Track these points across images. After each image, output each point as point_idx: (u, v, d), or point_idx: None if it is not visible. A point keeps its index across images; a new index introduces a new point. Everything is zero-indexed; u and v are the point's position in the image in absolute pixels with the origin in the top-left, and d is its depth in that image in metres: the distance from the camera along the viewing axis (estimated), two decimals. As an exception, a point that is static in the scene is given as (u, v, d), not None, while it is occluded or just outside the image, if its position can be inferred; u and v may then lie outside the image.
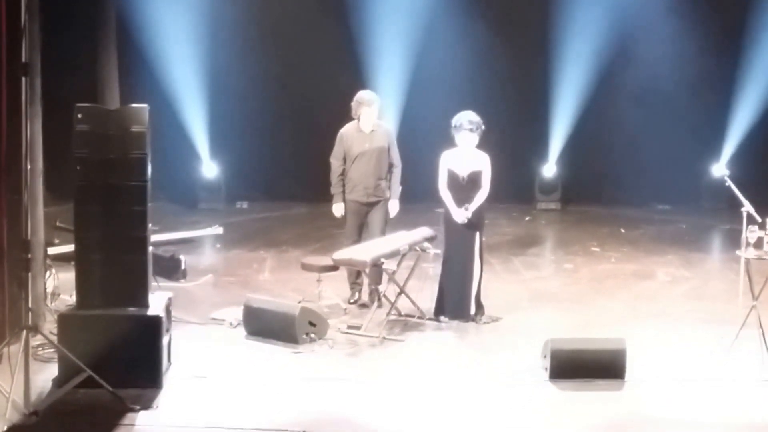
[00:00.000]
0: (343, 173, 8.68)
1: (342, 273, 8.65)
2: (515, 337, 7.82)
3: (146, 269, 6.57)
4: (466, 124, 8.17)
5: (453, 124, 8.25)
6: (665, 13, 14.25)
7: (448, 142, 8.41)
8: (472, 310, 8.20)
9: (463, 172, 8.21)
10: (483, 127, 8.22)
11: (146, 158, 6.46)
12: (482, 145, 8.31)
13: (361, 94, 8.69)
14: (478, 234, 8.25)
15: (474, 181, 8.22)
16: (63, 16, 11.00)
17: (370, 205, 8.66)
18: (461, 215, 8.14)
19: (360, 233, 8.69)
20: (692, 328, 8.09)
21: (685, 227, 13.43)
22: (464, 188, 8.21)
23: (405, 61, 14.12)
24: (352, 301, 8.69)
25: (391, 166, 8.72)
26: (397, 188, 8.74)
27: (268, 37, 14.54)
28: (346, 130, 8.72)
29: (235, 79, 14.32)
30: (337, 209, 8.76)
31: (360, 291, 8.70)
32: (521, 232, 13.02)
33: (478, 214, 8.24)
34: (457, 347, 7.57)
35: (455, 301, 8.21)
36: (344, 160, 8.67)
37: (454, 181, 8.22)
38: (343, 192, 8.69)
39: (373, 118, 8.63)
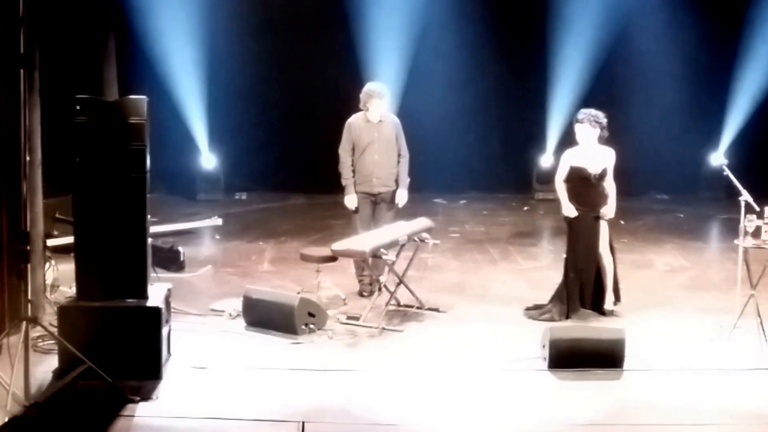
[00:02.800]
0: (352, 164, 8.64)
1: (341, 263, 8.66)
2: (514, 327, 7.84)
3: (145, 261, 6.58)
4: (581, 115, 8.10)
5: (574, 119, 8.16)
6: (663, 2, 14.26)
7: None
8: (608, 304, 8.11)
9: (594, 170, 8.05)
10: (603, 122, 8.07)
11: (145, 150, 6.46)
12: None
13: (372, 86, 8.64)
14: (605, 226, 8.11)
15: (602, 177, 8.09)
16: (61, 8, 10.97)
17: (380, 196, 8.66)
18: (572, 210, 8.05)
19: (371, 223, 8.65)
20: (691, 317, 8.11)
21: (684, 217, 13.45)
22: (593, 186, 8.08)
23: (403, 52, 14.12)
24: (365, 294, 8.63)
25: (398, 156, 8.69)
26: (405, 178, 8.72)
27: (267, 29, 14.54)
28: (354, 120, 8.67)
29: (233, 71, 14.32)
30: (350, 201, 8.68)
31: (370, 284, 8.63)
32: (520, 221, 13.05)
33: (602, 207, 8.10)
34: (455, 337, 7.58)
35: (589, 295, 8.13)
36: (353, 150, 8.63)
37: (583, 179, 8.08)
38: (355, 183, 8.65)
39: (382, 110, 8.60)
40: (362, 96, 8.59)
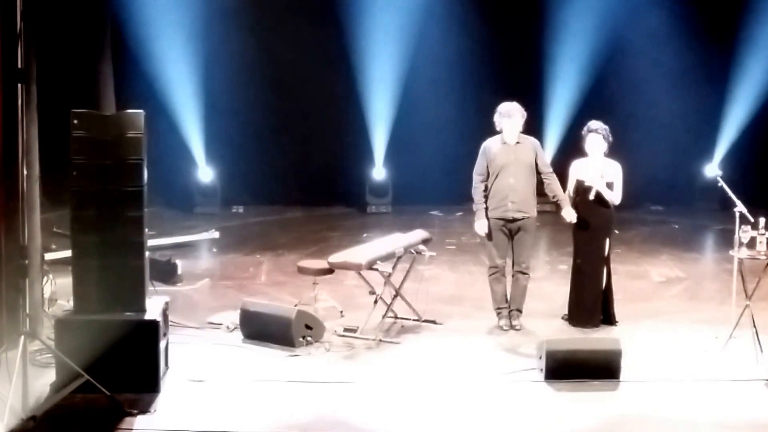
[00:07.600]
0: (486, 189, 8.13)
1: (337, 276, 8.68)
2: (510, 338, 7.87)
3: (143, 274, 6.60)
4: (595, 125, 8.06)
5: (587, 129, 8.12)
6: (658, 13, 14.33)
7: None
8: (601, 317, 8.14)
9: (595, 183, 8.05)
10: (610, 137, 8.08)
11: (142, 163, 6.49)
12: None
13: (501, 106, 8.17)
14: (607, 240, 8.10)
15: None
16: (58, 23, 11.02)
17: (517, 223, 8.07)
18: (571, 215, 8.01)
19: (507, 251, 8.16)
20: (686, 328, 8.14)
21: (678, 228, 13.50)
22: (595, 199, 8.06)
23: (398, 64, 14.17)
24: (505, 327, 8.14)
25: (544, 174, 8.15)
26: (563, 195, 8.14)
27: (263, 43, 14.59)
28: (490, 142, 8.17)
29: (230, 85, 14.37)
30: (481, 226, 8.11)
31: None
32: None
33: (607, 220, 8.11)
34: (452, 349, 7.60)
35: (585, 308, 8.14)
36: (487, 174, 8.14)
37: (585, 192, 8.07)
38: (487, 208, 8.12)
39: (517, 130, 8.09)
40: (495, 117, 8.17)
